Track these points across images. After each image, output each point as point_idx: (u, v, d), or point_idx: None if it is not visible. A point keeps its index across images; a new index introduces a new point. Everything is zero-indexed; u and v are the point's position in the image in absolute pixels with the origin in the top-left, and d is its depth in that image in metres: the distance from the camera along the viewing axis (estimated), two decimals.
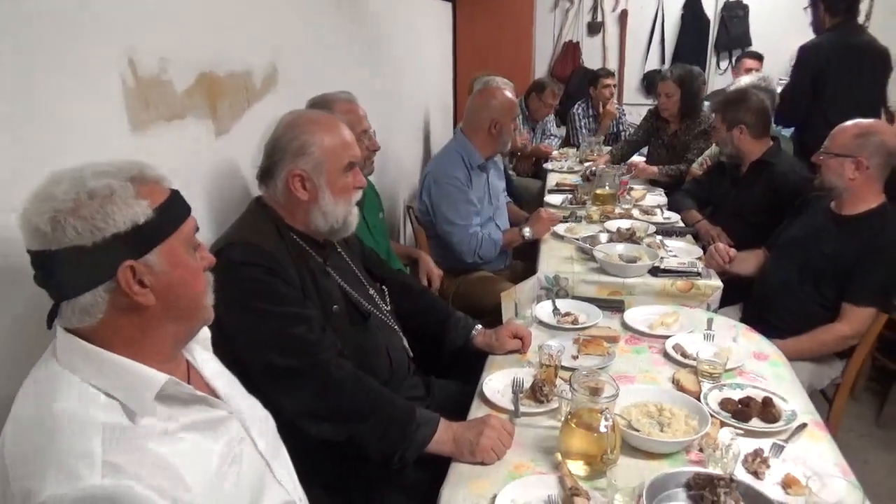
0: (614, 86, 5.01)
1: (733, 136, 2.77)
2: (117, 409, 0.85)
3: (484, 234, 2.65)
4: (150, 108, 1.35)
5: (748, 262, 2.40)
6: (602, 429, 1.24)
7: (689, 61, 4.41)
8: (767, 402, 1.46)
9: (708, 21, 5.92)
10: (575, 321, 1.93)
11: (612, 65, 6.06)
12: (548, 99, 4.64)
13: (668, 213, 3.05)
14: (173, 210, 0.92)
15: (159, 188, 0.92)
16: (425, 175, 2.76)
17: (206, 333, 1.12)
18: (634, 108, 5.65)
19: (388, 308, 1.73)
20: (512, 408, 1.48)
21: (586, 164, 4.03)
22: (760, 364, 1.71)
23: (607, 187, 3.15)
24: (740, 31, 5.84)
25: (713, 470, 1.23)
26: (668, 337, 1.81)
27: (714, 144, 3.34)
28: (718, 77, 5.88)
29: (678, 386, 1.57)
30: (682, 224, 2.94)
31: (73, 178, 0.85)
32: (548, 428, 1.42)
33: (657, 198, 3.36)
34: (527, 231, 2.66)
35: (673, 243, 2.60)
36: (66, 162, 0.89)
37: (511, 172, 4.13)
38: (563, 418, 1.35)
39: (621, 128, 4.99)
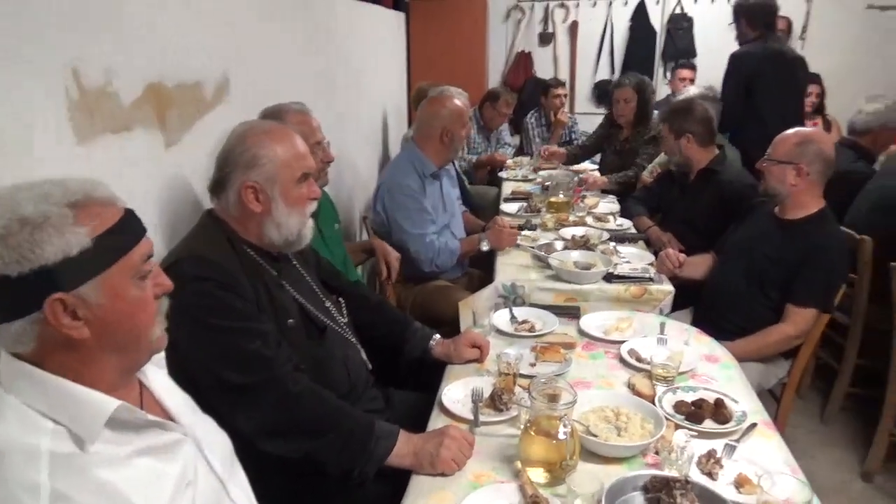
0: (565, 95, 5.10)
1: (681, 145, 2.86)
2: (64, 436, 0.82)
3: (441, 242, 2.66)
4: (95, 120, 1.32)
5: (698, 266, 2.47)
6: (561, 436, 1.25)
7: (638, 71, 4.53)
8: (719, 404, 1.50)
9: (655, 32, 6.09)
10: (532, 329, 1.95)
11: (564, 75, 6.17)
12: (502, 108, 4.68)
13: (620, 220, 3.12)
14: (119, 237, 0.87)
15: (107, 211, 0.87)
16: (379, 186, 2.75)
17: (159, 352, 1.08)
18: (586, 118, 5.74)
19: (346, 320, 1.71)
20: (471, 417, 1.48)
21: (542, 173, 4.10)
22: (712, 366, 1.76)
23: (561, 195, 3.20)
24: (685, 43, 6.02)
25: (669, 472, 1.25)
26: (622, 342, 1.84)
27: (663, 153, 3.44)
28: (665, 87, 6.04)
29: (633, 390, 1.60)
30: (634, 231, 3.01)
31: (8, 200, 0.81)
32: (508, 436, 1.43)
33: (610, 205, 3.43)
34: (484, 244, 2.67)
35: (626, 249, 2.65)
36: (6, 178, 0.86)
37: (463, 177, 4.15)
38: (522, 426, 1.36)
39: (573, 136, 5.07)
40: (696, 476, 1.27)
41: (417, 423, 1.49)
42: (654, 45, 6.12)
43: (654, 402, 1.51)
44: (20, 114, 1.12)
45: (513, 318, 2.01)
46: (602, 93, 6.24)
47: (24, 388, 0.83)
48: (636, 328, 1.95)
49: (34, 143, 1.15)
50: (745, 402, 1.54)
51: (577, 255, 2.48)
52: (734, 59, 3.55)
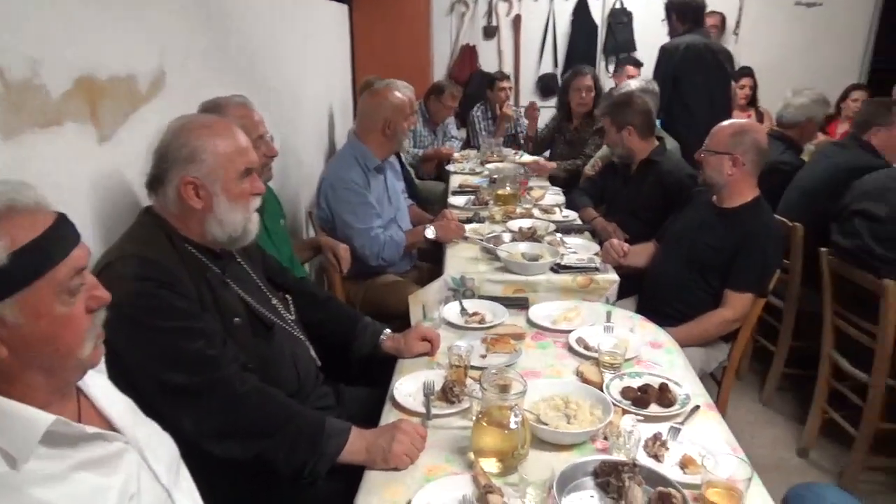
0: (510, 88, 5.15)
1: (623, 137, 2.92)
2: None
3: (386, 236, 2.64)
4: (21, 114, 1.25)
5: (641, 255, 2.53)
6: (512, 425, 1.27)
7: (581, 64, 4.63)
8: (664, 388, 1.54)
9: (596, 27, 6.20)
10: (482, 320, 1.96)
11: (508, 68, 6.21)
12: (447, 101, 4.69)
13: (566, 212, 3.16)
14: (41, 251, 0.81)
15: (32, 221, 0.81)
16: (322, 180, 2.71)
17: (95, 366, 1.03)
18: None
19: (293, 318, 1.68)
20: (423, 411, 1.48)
21: (489, 166, 4.14)
22: (656, 352, 1.81)
23: (508, 188, 3.22)
24: (625, 37, 6.15)
25: (617, 456, 1.28)
26: (570, 331, 1.87)
27: (605, 146, 3.52)
28: (608, 80, 6.16)
29: (582, 378, 1.63)
30: (579, 222, 3.06)
31: None
32: (460, 428, 1.43)
33: (556, 197, 3.47)
34: (429, 231, 2.68)
35: (572, 240, 2.69)
36: None
37: (409, 169, 4.15)
38: (474, 417, 1.36)
39: (519, 129, 5.12)
40: (644, 459, 1.30)
41: (369, 418, 1.48)
42: (595, 40, 6.23)
43: (602, 389, 1.54)
44: None
45: (463, 310, 2.02)
46: (546, 86, 6.32)
47: None
48: (583, 317, 1.98)
49: None
50: (688, 385, 1.59)
51: (524, 246, 2.51)
52: (662, 51, 3.79)
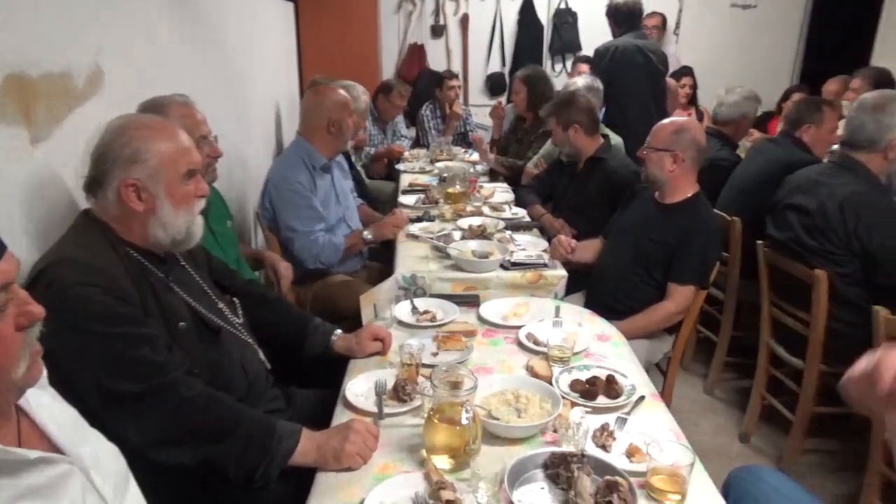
0: (459, 87, 5.17)
1: (569, 136, 2.98)
2: None
3: (325, 239, 2.61)
4: None
5: (588, 251, 2.59)
6: (464, 421, 1.28)
7: (528, 64, 4.68)
8: (611, 380, 1.58)
9: (542, 26, 6.29)
10: (433, 318, 1.97)
11: (456, 67, 6.25)
12: (395, 100, 4.68)
13: (515, 209, 3.20)
14: None
15: None
16: (267, 181, 2.67)
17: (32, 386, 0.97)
18: (480, 109, 5.85)
19: (241, 321, 1.66)
20: (376, 410, 1.48)
21: (439, 165, 4.15)
22: (603, 345, 1.85)
23: (458, 186, 3.24)
24: (571, 37, 6.26)
25: (567, 448, 1.31)
26: (521, 327, 1.90)
27: (549, 144, 3.58)
28: (555, 79, 6.24)
29: (532, 372, 1.65)
30: (528, 219, 3.10)
31: None
32: (412, 426, 1.44)
33: (505, 194, 3.51)
34: (367, 233, 2.68)
35: (521, 237, 2.73)
36: None
37: (360, 169, 4.13)
38: (425, 415, 1.37)
39: (468, 128, 5.16)
40: (592, 449, 1.33)
41: (322, 420, 1.47)
42: (541, 39, 6.32)
43: (551, 383, 1.57)
44: None
45: (414, 308, 2.03)
46: (495, 85, 6.38)
47: None
48: (533, 313, 2.01)
49: None
50: (633, 376, 1.64)
51: (474, 244, 2.53)
52: (596, 52, 4.02)
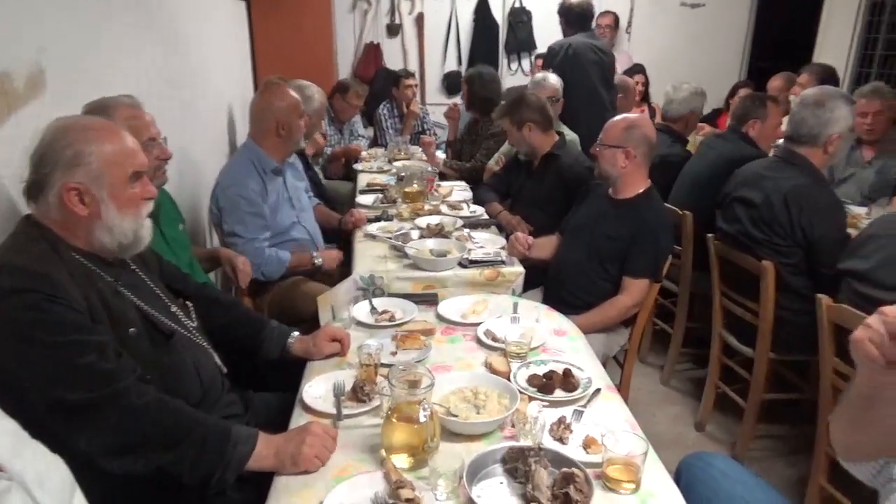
0: (416, 86, 5.17)
1: (524, 135, 3.00)
2: None
3: (272, 251, 2.56)
4: None
5: (545, 247, 2.62)
6: (421, 419, 1.28)
7: (484, 62, 4.70)
8: (567, 374, 1.60)
9: (497, 25, 6.33)
10: (392, 318, 1.97)
11: (413, 66, 6.24)
12: (352, 100, 4.65)
13: (473, 207, 3.22)
14: None
15: None
16: (217, 183, 2.61)
17: None
18: (437, 108, 5.86)
19: (195, 325, 1.62)
20: (334, 412, 1.47)
21: (396, 164, 4.13)
22: (560, 340, 1.87)
23: (416, 185, 3.24)
24: (525, 35, 6.32)
25: (524, 442, 1.32)
26: (479, 324, 1.91)
27: (507, 143, 3.59)
28: (510, 77, 6.30)
29: (490, 369, 1.66)
30: (486, 216, 3.12)
31: None
32: (371, 427, 1.43)
33: (463, 193, 3.52)
34: (318, 259, 2.68)
35: (479, 235, 2.74)
36: None
37: (317, 170, 4.08)
38: (384, 415, 1.37)
39: (425, 127, 5.15)
40: (549, 443, 1.35)
41: (281, 423, 1.46)
42: (497, 38, 6.36)
43: (509, 379, 1.59)
44: None
45: (373, 309, 2.02)
46: (451, 83, 6.39)
47: None
48: (491, 310, 2.03)
49: None
50: (589, 369, 1.66)
51: (432, 242, 2.53)
52: (550, 49, 4.16)
